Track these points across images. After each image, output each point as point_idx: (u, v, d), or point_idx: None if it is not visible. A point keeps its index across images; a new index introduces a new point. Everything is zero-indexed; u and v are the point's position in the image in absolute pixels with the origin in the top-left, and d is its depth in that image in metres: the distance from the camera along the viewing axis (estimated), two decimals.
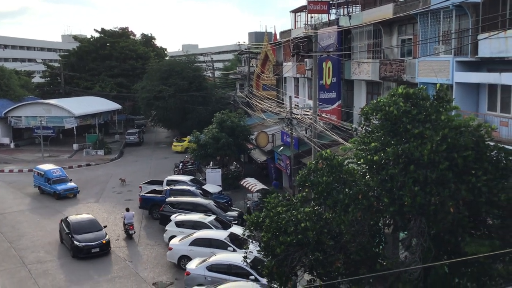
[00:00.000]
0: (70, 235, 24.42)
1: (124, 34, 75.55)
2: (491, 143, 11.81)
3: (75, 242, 23.99)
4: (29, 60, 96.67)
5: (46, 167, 37.18)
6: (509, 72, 17.11)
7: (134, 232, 26.70)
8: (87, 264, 23.40)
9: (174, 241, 23.24)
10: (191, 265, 20.42)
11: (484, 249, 10.58)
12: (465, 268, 11.94)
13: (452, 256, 11.71)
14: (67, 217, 26.38)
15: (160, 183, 34.02)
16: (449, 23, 20.65)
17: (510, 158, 11.86)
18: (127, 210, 27.19)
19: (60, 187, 34.89)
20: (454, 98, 14.27)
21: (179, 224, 25.13)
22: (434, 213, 11.25)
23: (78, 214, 27.27)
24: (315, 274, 13.33)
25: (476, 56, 18.83)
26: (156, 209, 29.39)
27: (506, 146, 12.95)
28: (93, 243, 24.06)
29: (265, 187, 30.74)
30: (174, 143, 54.93)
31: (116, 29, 75.64)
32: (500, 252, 10.63)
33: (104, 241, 24.46)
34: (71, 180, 36.36)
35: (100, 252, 24.13)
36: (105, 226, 25.94)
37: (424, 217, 11.26)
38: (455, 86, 19.57)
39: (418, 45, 22.88)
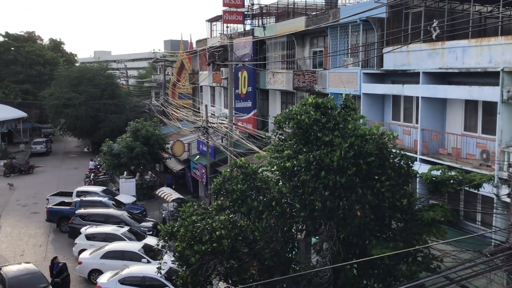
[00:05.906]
0: None
1: (30, 38, 71.38)
2: (394, 150, 12.51)
3: None
4: None
5: None
6: (411, 84, 18.31)
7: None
8: None
9: (84, 255, 22.24)
10: (102, 279, 19.60)
11: (389, 251, 11.15)
12: (372, 270, 12.52)
13: (360, 259, 12.23)
14: (0, 268, 19.71)
15: (69, 194, 32.40)
16: (357, 37, 21.74)
17: (411, 164, 12.64)
18: (91, 160, 42.40)
19: None
20: (359, 108, 14.98)
21: (90, 237, 24.06)
22: (343, 217, 11.71)
23: (16, 264, 20.92)
24: (230, 282, 13.35)
25: (382, 68, 19.96)
26: (65, 222, 27.93)
27: (408, 153, 13.81)
28: None
29: (181, 196, 30.36)
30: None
31: (22, 33, 71.40)
32: (403, 251, 11.26)
33: None
34: None
35: None
36: (56, 282, 19.40)
37: (334, 221, 11.70)
38: (362, 97, 20.60)
39: (328, 57, 23.86)
